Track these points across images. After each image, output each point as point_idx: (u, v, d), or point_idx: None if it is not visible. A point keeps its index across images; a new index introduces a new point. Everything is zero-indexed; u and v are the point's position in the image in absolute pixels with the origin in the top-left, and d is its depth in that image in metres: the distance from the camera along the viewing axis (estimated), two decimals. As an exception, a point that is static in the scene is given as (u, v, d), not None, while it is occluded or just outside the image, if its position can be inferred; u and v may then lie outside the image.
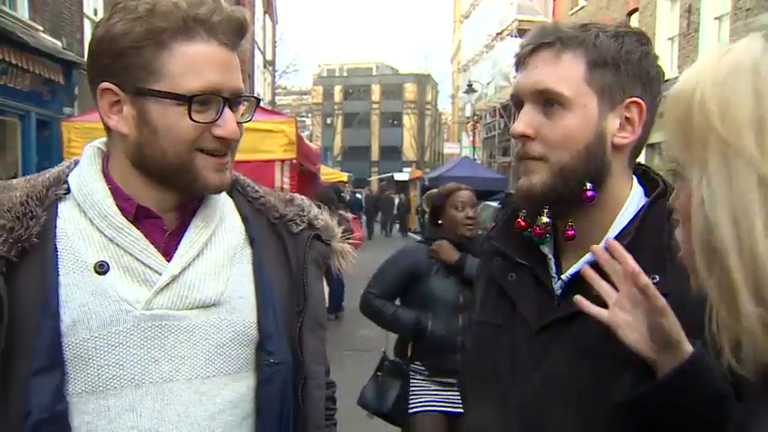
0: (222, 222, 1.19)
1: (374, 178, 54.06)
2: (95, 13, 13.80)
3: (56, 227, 1.09)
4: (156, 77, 1.05)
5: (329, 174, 15.47)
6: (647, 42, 1.13)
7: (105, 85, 1.07)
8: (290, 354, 1.18)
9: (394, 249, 3.86)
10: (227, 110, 1.09)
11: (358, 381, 3.77)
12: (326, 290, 7.77)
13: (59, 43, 11.40)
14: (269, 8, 41.96)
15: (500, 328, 1.21)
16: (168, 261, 1.11)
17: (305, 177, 8.09)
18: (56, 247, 1.07)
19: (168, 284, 1.09)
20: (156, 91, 1.05)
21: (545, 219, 1.14)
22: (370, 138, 62.32)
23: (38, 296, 1.04)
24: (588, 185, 1.10)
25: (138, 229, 1.11)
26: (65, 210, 1.11)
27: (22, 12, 10.60)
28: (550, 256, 1.19)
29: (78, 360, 1.04)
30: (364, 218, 28.65)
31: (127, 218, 1.10)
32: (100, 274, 1.07)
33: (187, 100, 1.05)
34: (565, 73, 1.09)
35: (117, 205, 1.11)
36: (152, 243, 1.11)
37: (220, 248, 1.16)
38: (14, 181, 1.13)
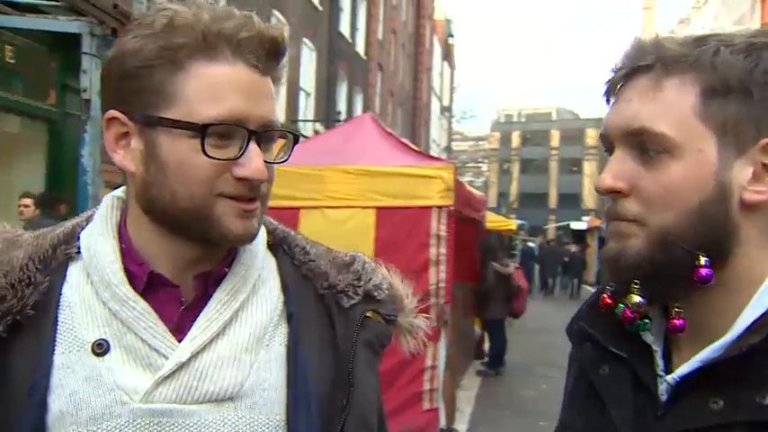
0: (255, 294, 0.97)
1: (551, 226, 52.49)
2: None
3: (61, 294, 0.93)
4: (168, 103, 0.87)
5: (496, 221, 14.99)
6: None
7: (111, 113, 0.90)
8: None
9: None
10: (252, 145, 0.88)
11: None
12: (486, 345, 7.44)
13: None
14: (447, 55, 42.81)
15: None
16: (181, 342, 0.91)
17: (465, 225, 7.84)
18: (56, 320, 0.91)
19: (174, 372, 0.89)
20: (166, 119, 0.87)
21: (637, 298, 0.84)
22: (548, 184, 60.89)
23: (25, 381, 0.88)
24: (702, 260, 0.79)
25: (150, 300, 0.92)
26: (73, 273, 0.95)
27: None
28: (656, 347, 0.88)
29: None
30: (537, 267, 27.33)
31: (136, 286, 0.92)
32: (98, 355, 0.89)
33: (200, 130, 0.85)
34: (668, 106, 0.80)
35: (126, 270, 0.93)
36: (164, 319, 0.92)
37: (246, 327, 0.95)
38: (25, 236, 0.98)
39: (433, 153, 35.41)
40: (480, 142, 60.75)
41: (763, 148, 0.79)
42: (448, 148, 45.91)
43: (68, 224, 1.01)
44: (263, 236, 1.02)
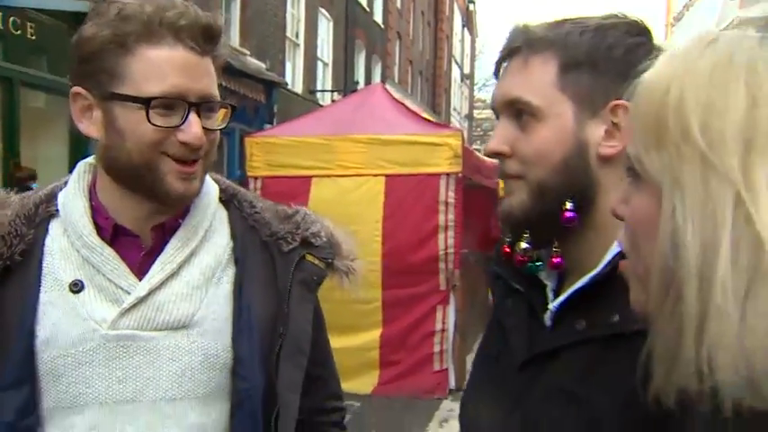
0: (206, 241, 1.17)
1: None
2: (297, 36, 14.88)
3: (44, 245, 1.12)
4: (120, 81, 1.05)
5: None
6: (643, 33, 0.97)
7: (76, 89, 1.09)
8: (264, 379, 1.13)
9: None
10: (192, 115, 1.07)
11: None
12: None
13: (263, 65, 12.45)
14: (468, 22, 42.19)
15: (493, 360, 1.09)
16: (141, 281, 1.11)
17: (476, 192, 7.94)
18: (41, 266, 1.11)
19: (135, 305, 1.09)
20: (120, 94, 1.05)
21: (524, 244, 1.00)
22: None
23: (16, 314, 1.08)
24: (568, 205, 0.95)
25: (115, 248, 1.12)
26: (54, 227, 1.14)
27: (234, 38, 11.75)
28: (547, 281, 1.04)
29: (50, 376, 1.07)
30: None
31: (103, 237, 1.12)
32: (74, 292, 1.09)
33: (145, 103, 1.04)
34: (533, 80, 0.97)
35: (95, 223, 1.13)
36: (127, 262, 1.11)
37: (198, 269, 1.14)
38: (12, 198, 1.18)
39: (453, 121, 35.13)
40: (503, 109, 60.07)
41: (611, 110, 0.94)
42: (469, 116, 45.64)
43: (49, 187, 1.21)
44: (215, 192, 1.23)
